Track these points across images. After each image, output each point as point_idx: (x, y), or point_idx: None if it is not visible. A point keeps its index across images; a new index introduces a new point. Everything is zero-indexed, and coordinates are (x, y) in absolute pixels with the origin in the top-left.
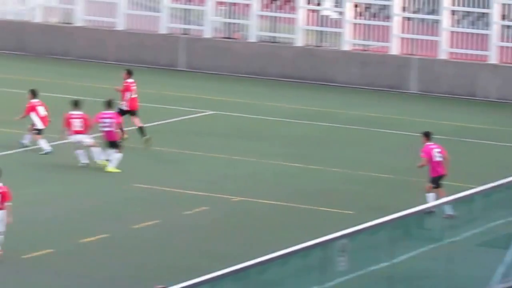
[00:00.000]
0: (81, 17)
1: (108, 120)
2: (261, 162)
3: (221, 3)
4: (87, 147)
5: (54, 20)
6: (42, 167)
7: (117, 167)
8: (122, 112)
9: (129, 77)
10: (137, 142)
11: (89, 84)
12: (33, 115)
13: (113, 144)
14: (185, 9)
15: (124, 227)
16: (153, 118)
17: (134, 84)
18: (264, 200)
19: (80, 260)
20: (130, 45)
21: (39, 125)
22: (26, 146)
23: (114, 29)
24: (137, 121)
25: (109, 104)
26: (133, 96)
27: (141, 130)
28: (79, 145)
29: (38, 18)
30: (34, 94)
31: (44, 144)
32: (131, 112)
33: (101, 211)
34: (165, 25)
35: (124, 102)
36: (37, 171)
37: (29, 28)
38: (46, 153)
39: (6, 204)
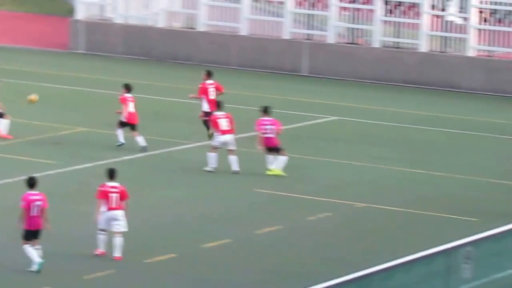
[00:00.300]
0: (204, 22)
1: (269, 126)
2: (385, 168)
3: (344, 9)
4: (230, 151)
5: (177, 25)
6: (165, 170)
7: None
8: (205, 113)
9: (208, 78)
10: (254, 147)
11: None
12: (123, 108)
13: (273, 149)
14: (309, 14)
15: (246, 232)
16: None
17: (213, 85)
18: (387, 206)
19: (202, 265)
20: (253, 50)
21: (123, 118)
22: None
23: (237, 34)
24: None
25: (266, 111)
26: (211, 97)
27: (207, 126)
28: (224, 146)
29: (161, 23)
30: (128, 88)
31: (120, 136)
32: (210, 113)
33: (223, 216)
34: (288, 30)
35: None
36: (160, 174)
37: (153, 33)
38: (119, 145)
39: (124, 203)
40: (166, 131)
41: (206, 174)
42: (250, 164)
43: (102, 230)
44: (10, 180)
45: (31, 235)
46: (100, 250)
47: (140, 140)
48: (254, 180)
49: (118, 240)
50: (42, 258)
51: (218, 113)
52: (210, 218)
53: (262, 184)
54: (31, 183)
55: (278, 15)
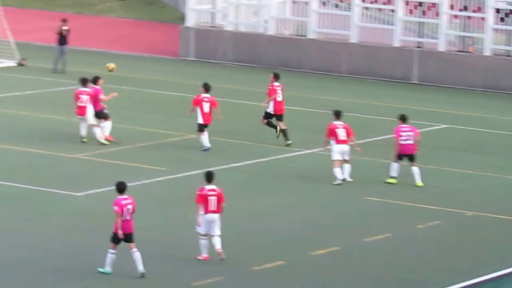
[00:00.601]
0: (314, 30)
1: (408, 133)
2: (494, 176)
3: (455, 16)
4: (344, 161)
5: (287, 32)
6: (275, 177)
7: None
8: (267, 115)
9: (275, 80)
10: (369, 154)
11: (322, 96)
12: (198, 110)
13: (408, 157)
14: (419, 22)
15: (356, 240)
16: (387, 131)
17: (280, 88)
18: (497, 214)
19: (310, 273)
20: (363, 57)
21: (200, 120)
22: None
23: (347, 41)
24: (281, 124)
25: (403, 118)
26: (278, 99)
27: (284, 133)
28: (342, 154)
29: (271, 30)
30: (206, 88)
31: (205, 141)
32: (277, 116)
33: (332, 224)
34: (398, 38)
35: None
36: (270, 181)
37: (262, 41)
38: (205, 150)
39: (221, 205)
40: (279, 139)
41: (315, 182)
42: (361, 171)
43: (203, 235)
44: None
45: (125, 237)
46: (204, 255)
47: (205, 140)
48: (365, 188)
49: (218, 239)
50: (147, 262)
51: (337, 123)
52: (320, 225)
53: (372, 192)
54: (121, 188)
55: (388, 23)
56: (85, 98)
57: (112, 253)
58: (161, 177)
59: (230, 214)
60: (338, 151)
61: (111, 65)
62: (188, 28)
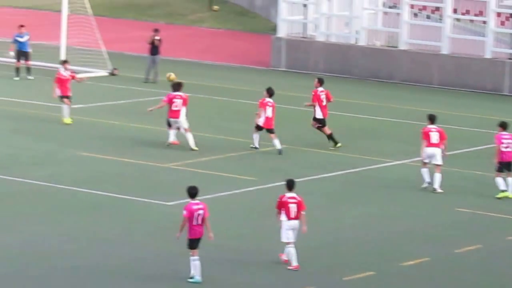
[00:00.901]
0: (405, 41)
1: (509, 141)
2: None
3: None
4: (436, 167)
5: (378, 43)
6: (366, 188)
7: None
8: (315, 120)
9: (320, 86)
10: (459, 165)
11: (413, 107)
12: (261, 112)
13: (509, 165)
14: (511, 34)
15: (446, 251)
16: (477, 143)
17: (324, 93)
18: None
19: (401, 284)
20: (454, 69)
21: (261, 122)
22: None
23: (439, 53)
24: (326, 129)
25: (505, 126)
26: (323, 104)
27: (331, 137)
28: (431, 159)
29: (362, 41)
30: (270, 93)
31: (256, 141)
32: (322, 121)
33: (423, 234)
34: (490, 49)
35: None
36: (360, 191)
37: (354, 51)
38: (253, 148)
39: (301, 213)
40: (369, 149)
41: (407, 192)
42: (452, 182)
43: (288, 243)
44: (208, 196)
45: (195, 243)
46: (294, 264)
47: (277, 143)
48: (455, 199)
49: (291, 250)
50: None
51: (431, 126)
52: (410, 236)
53: (463, 203)
54: (193, 192)
55: (480, 34)
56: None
57: (194, 260)
58: (251, 187)
59: (320, 224)
60: (428, 154)
61: (172, 75)
62: (279, 38)
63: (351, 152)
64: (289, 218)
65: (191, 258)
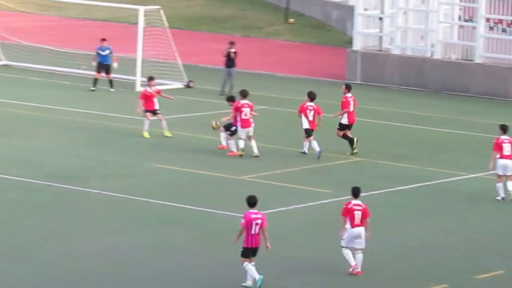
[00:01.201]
0: (481, 54)
1: None
2: None
3: None
4: (508, 177)
5: (454, 56)
6: (437, 201)
7: None
8: (341, 127)
9: (348, 92)
10: None
11: (489, 121)
12: (303, 117)
13: None
14: None
15: None
16: None
17: (352, 99)
18: None
19: None
20: None
21: (306, 125)
22: (304, 153)
23: None
24: (347, 132)
25: None
26: (351, 110)
27: (351, 142)
28: (504, 171)
29: (438, 54)
30: (311, 97)
31: (315, 145)
32: (349, 126)
33: (496, 246)
34: None
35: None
36: (432, 204)
37: (429, 64)
38: (302, 152)
39: (366, 220)
40: (445, 162)
41: (481, 205)
42: None
43: (345, 246)
44: (284, 208)
45: (249, 252)
46: (353, 265)
47: (315, 145)
48: None
49: (359, 256)
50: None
51: (503, 137)
52: (483, 248)
53: None
54: (252, 202)
55: None
56: (247, 110)
57: (247, 265)
58: (326, 199)
59: (394, 236)
60: (501, 166)
61: (215, 123)
62: (355, 51)
63: (427, 165)
64: (353, 226)
65: (245, 265)
